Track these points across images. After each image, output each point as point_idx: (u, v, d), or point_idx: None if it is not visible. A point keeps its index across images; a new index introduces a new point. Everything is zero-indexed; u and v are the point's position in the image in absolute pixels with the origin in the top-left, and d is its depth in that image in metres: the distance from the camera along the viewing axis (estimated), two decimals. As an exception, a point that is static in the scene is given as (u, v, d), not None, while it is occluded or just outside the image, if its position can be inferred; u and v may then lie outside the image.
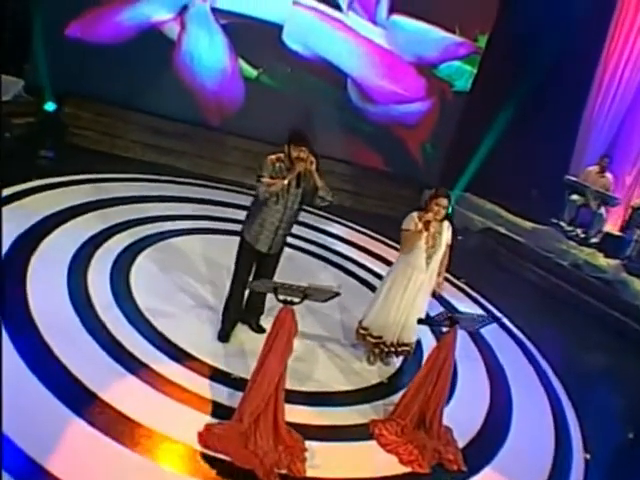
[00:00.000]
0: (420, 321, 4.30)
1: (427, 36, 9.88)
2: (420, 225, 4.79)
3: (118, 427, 3.55)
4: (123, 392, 3.87)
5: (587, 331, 7.48)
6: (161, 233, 6.40)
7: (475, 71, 10.20)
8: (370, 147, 10.32)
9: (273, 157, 4.61)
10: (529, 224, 9.48)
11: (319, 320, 5.68)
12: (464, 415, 4.82)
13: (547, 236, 9.17)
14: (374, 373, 5.06)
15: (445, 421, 4.49)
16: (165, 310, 4.99)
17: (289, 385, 4.32)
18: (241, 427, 3.68)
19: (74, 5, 8.76)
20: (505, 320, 6.96)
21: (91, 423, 3.51)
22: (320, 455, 3.86)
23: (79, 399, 3.67)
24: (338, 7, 9.50)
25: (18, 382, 3.61)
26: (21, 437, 3.17)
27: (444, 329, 4.33)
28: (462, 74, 10.24)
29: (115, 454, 3.36)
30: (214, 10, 9.26)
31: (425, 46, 9.95)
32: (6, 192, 6.15)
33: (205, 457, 3.54)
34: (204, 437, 3.66)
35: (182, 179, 8.46)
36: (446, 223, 4.96)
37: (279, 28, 9.45)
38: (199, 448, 3.59)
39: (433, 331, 5.86)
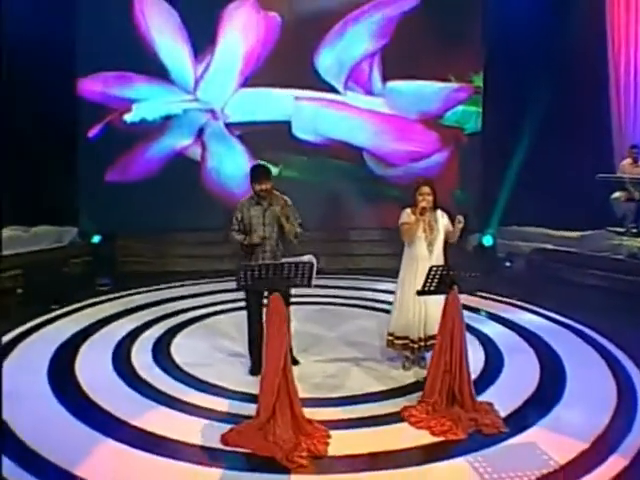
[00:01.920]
0: (419, 292, 4.44)
1: (425, 92, 10.56)
2: (413, 217, 5.09)
3: (147, 441, 3.86)
4: (157, 419, 4.21)
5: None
6: (200, 317, 6.94)
7: (480, 110, 10.66)
8: (401, 208, 10.68)
9: (242, 201, 5.20)
10: (576, 233, 9.36)
11: (356, 347, 5.88)
12: (510, 389, 4.79)
13: (597, 238, 9.03)
14: (410, 376, 5.11)
15: (488, 397, 4.52)
16: (202, 362, 5.40)
17: (321, 394, 4.55)
18: (259, 422, 3.90)
19: (108, 155, 10.10)
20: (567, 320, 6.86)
21: (121, 440, 3.86)
22: (346, 439, 3.97)
23: (113, 428, 4.04)
24: (335, 90, 10.43)
25: (62, 424, 4.06)
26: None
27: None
28: (469, 116, 10.73)
29: (142, 460, 3.65)
30: (227, 125, 10.41)
31: (426, 101, 10.59)
32: (69, 308, 7.07)
33: (227, 452, 3.76)
34: (225, 437, 3.90)
35: (223, 277, 9.01)
36: (439, 211, 5.24)
37: (288, 124, 10.43)
38: (222, 447, 3.82)
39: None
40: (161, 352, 5.71)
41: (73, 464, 3.56)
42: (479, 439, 4.03)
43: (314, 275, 4.00)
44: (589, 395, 4.81)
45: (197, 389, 4.77)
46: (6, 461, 3.58)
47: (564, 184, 9.66)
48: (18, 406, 4.35)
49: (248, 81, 10.26)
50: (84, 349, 5.72)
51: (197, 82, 10.23)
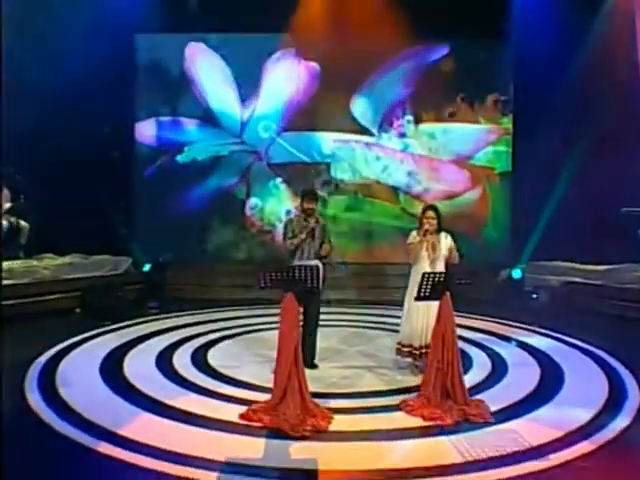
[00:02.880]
0: (416, 298, 5.16)
1: (456, 133, 11.40)
2: (418, 237, 5.86)
3: (178, 415, 4.70)
4: (188, 401, 5.05)
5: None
6: (240, 333, 7.85)
7: (510, 150, 11.39)
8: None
9: (292, 217, 6.31)
10: (604, 267, 9.82)
11: (372, 359, 6.61)
12: (506, 391, 5.44)
13: (624, 271, 9.46)
14: (416, 381, 5.72)
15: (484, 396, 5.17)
16: (234, 365, 6.23)
17: (333, 390, 5.32)
18: (273, 403, 4.67)
19: (161, 193, 11.30)
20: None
21: (157, 414, 4.72)
22: (347, 421, 4.69)
23: (151, 405, 4.90)
24: (371, 133, 11.40)
25: (109, 401, 4.97)
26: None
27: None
28: (499, 156, 11.47)
29: (172, 427, 4.49)
30: (270, 165, 11.49)
31: (457, 143, 11.43)
32: (120, 324, 8.11)
33: (243, 424, 4.56)
34: (244, 414, 4.69)
35: (264, 305, 9.88)
36: (443, 234, 5.97)
37: (327, 164, 11.43)
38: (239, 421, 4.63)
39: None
40: (199, 357, 6.58)
41: (117, 427, 4.42)
42: (465, 426, 4.66)
43: (321, 278, 4.80)
44: (580, 399, 5.34)
45: (225, 382, 5.60)
46: (65, 425, 4.48)
47: (595, 219, 10.13)
48: (74, 389, 5.28)
49: (290, 125, 11.35)
50: (132, 353, 6.66)
51: (243, 126, 11.40)
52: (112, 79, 10.59)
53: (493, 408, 5.02)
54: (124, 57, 11.14)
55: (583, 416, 4.88)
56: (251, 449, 4.15)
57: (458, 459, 4.03)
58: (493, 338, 7.74)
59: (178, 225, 11.17)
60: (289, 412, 4.59)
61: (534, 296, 9.78)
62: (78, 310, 9.30)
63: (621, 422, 4.78)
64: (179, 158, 11.33)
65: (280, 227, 6.76)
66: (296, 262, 5.97)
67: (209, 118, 11.34)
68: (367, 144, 11.43)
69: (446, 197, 11.41)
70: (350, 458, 4.07)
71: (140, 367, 6.09)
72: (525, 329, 8.26)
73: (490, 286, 10.81)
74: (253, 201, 11.54)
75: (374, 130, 11.42)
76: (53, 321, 8.47)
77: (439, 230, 5.99)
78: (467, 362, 6.47)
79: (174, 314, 9.13)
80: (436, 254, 5.88)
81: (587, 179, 10.37)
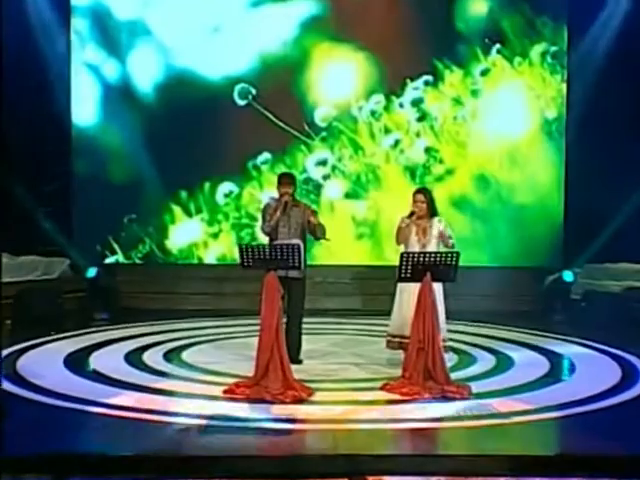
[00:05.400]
0: (398, 280, 8.50)
1: (490, 97, 14.71)
2: (407, 221, 9.21)
3: (156, 391, 8.15)
4: (165, 385, 8.47)
5: None
6: (217, 339, 11.35)
7: (564, 118, 14.61)
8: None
9: (269, 202, 9.67)
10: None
11: (362, 357, 10.09)
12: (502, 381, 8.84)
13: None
14: (405, 372, 9.18)
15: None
16: (211, 361, 9.66)
17: (317, 378, 8.70)
18: (255, 379, 8.07)
19: (109, 179, 14.67)
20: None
21: (136, 391, 8.17)
22: (328, 396, 8.08)
23: (128, 387, 8.33)
24: (378, 98, 14.69)
25: (86, 385, 8.42)
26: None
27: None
28: (548, 127, 14.64)
29: (154, 399, 7.91)
30: (248, 140, 14.79)
31: (492, 109, 14.68)
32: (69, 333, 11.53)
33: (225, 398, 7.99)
34: (227, 389, 8.08)
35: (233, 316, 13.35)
36: (435, 218, 9.32)
37: (322, 139, 14.79)
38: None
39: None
40: (173, 356, 10.04)
41: (104, 399, 7.82)
42: (441, 400, 7.98)
43: (302, 257, 8.20)
44: (575, 392, 8.37)
45: (202, 372, 9.06)
46: (53, 400, 7.81)
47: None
48: (46, 380, 8.52)
49: (273, 89, 14.52)
50: (96, 354, 10.13)
51: (214, 91, 14.66)
52: (38, 29, 13.76)
53: (479, 390, 8.36)
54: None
55: (563, 400, 8.07)
56: (235, 411, 7.52)
57: (420, 416, 7.42)
58: (511, 345, 11.11)
59: (130, 219, 14.57)
60: (271, 385, 7.95)
61: (582, 304, 13.09)
62: (8, 322, 12.59)
63: (600, 405, 7.91)
64: (131, 132, 14.61)
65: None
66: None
67: (169, 81, 14.55)
68: (373, 113, 14.68)
69: (477, 181, 14.64)
70: (324, 414, 7.45)
71: (109, 363, 9.50)
72: (557, 339, 11.62)
73: (532, 294, 14.16)
74: (227, 186, 14.82)
75: (382, 94, 14.63)
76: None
77: (433, 214, 9.31)
78: (470, 360, 9.93)
79: (131, 324, 12.58)
80: (426, 238, 9.22)
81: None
